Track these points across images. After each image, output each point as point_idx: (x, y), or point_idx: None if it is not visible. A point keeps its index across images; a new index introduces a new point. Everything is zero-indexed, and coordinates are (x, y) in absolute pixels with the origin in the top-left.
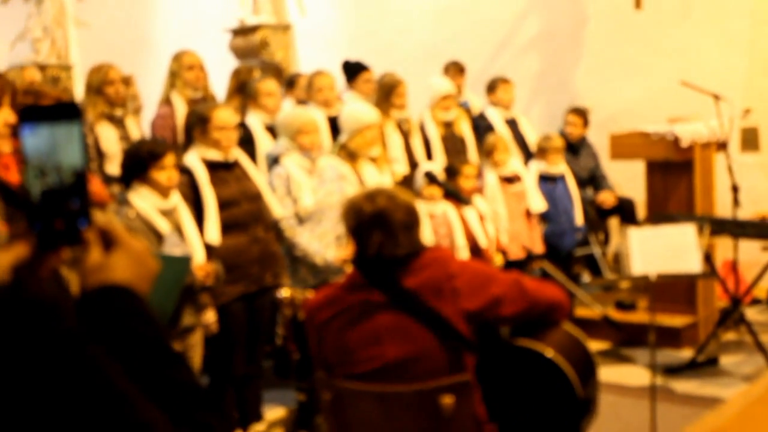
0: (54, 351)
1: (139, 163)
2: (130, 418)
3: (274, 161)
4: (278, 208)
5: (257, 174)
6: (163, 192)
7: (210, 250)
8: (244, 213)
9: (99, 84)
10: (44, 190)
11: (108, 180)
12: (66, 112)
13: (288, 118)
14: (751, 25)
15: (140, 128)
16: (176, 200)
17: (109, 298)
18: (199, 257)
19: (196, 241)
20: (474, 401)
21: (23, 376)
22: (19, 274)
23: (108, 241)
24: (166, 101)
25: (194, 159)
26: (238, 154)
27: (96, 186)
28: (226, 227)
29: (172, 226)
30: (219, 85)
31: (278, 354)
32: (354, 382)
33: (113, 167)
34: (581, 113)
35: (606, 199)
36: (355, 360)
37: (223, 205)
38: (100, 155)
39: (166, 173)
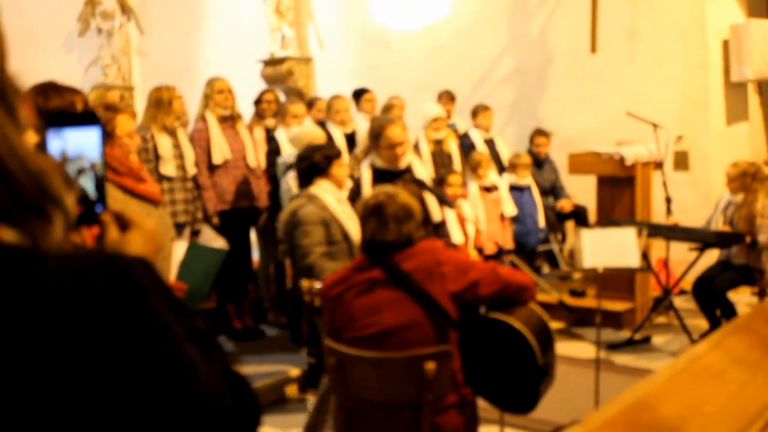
0: (135, 296)
1: (319, 163)
2: (181, 354)
3: (288, 168)
4: (437, 211)
5: (423, 178)
6: (339, 185)
7: None
8: None
9: (158, 101)
10: (96, 183)
11: (161, 178)
12: (88, 119)
13: (300, 133)
14: (683, 69)
15: (187, 139)
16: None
17: None
18: None
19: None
20: (453, 368)
21: (110, 318)
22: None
23: (123, 224)
24: (202, 118)
25: (365, 165)
26: (411, 158)
27: (152, 187)
28: None
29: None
30: (251, 105)
31: (293, 325)
32: (353, 349)
33: (166, 168)
34: (546, 134)
35: (564, 205)
36: (359, 326)
37: None
38: (157, 158)
39: (342, 169)
